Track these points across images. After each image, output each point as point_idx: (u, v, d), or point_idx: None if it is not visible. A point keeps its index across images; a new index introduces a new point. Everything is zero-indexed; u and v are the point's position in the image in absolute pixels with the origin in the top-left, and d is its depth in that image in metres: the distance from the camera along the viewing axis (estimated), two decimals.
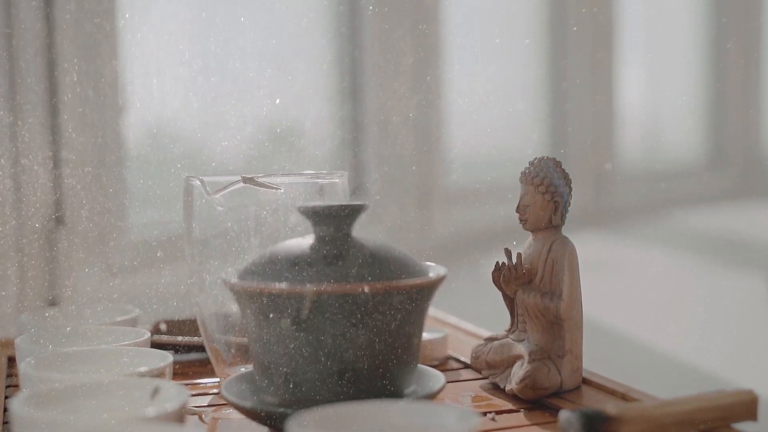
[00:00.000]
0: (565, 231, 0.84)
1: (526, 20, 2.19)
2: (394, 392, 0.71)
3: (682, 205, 2.39)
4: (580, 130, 2.28)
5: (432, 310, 0.96)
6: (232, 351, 0.86)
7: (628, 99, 2.41)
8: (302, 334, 0.69)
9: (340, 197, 0.86)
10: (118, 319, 0.92)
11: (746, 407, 0.66)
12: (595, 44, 2.26)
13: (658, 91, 2.54)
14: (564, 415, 0.64)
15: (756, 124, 2.65)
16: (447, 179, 1.94)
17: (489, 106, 1.99)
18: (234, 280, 0.72)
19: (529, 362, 0.80)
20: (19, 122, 1.26)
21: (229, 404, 0.74)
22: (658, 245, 2.22)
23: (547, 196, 0.82)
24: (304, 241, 0.73)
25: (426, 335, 0.93)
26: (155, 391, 0.66)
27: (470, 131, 2.01)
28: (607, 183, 2.32)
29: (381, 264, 0.70)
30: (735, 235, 2.29)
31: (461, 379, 0.89)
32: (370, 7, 1.73)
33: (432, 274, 0.73)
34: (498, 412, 0.78)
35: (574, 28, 2.20)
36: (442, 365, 0.94)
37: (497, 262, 0.84)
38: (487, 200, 1.78)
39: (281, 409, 0.70)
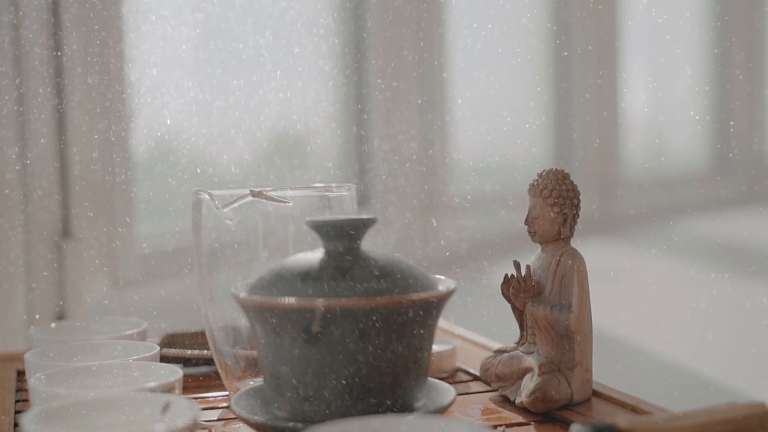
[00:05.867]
0: (571, 239, 0.84)
1: (530, 29, 2.19)
2: (405, 406, 0.71)
3: (688, 213, 2.39)
4: (585, 137, 2.28)
5: (441, 322, 0.96)
6: (241, 364, 0.86)
7: (633, 106, 2.41)
8: (312, 348, 0.69)
9: (348, 210, 0.86)
10: (127, 332, 0.92)
11: (758, 420, 0.66)
12: (600, 52, 2.26)
13: (663, 98, 2.54)
14: (575, 428, 0.64)
15: (761, 130, 2.65)
16: (453, 189, 1.94)
17: (494, 114, 1.99)
18: (243, 294, 0.72)
19: (539, 375, 0.80)
20: (27, 136, 1.26)
21: (239, 419, 0.74)
22: (664, 253, 2.22)
23: (555, 208, 0.82)
24: (313, 255, 0.73)
25: (435, 347, 0.92)
26: (166, 407, 0.66)
27: (475, 140, 2.01)
28: (613, 190, 2.31)
29: (391, 278, 0.70)
30: (741, 242, 2.29)
31: (470, 391, 0.89)
32: (375, 17, 1.73)
33: (442, 288, 0.73)
34: (508, 425, 0.78)
35: (579, 41, 2.20)
36: (451, 377, 0.93)
37: (506, 275, 0.84)
38: (495, 209, 1.78)
39: (291, 424, 0.70)
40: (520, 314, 0.85)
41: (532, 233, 0.84)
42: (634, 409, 0.78)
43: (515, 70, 2.13)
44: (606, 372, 0.87)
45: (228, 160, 1.54)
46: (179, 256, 1.37)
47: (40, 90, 1.27)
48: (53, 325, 0.99)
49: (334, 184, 0.87)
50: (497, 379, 0.86)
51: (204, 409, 0.84)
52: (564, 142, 2.27)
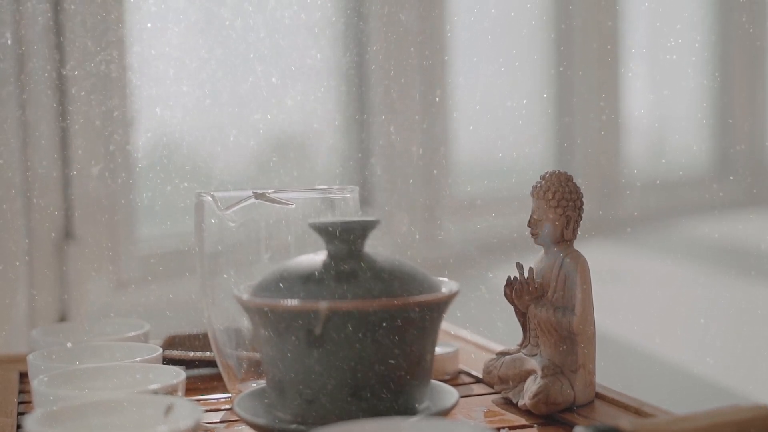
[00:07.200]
0: (574, 241, 0.84)
1: (531, 30, 2.19)
2: (408, 408, 0.71)
3: (690, 215, 2.39)
4: (587, 139, 2.28)
5: (443, 324, 0.96)
6: (244, 366, 0.86)
7: (635, 108, 2.41)
8: (315, 350, 0.69)
9: (351, 212, 0.86)
10: (130, 334, 0.92)
11: (762, 423, 0.66)
12: (600, 53, 2.26)
13: (664, 100, 2.54)
14: (578, 430, 0.64)
15: (762, 132, 2.64)
16: (455, 190, 1.94)
17: (496, 116, 1.99)
18: (246, 296, 0.72)
19: (541, 377, 0.80)
20: (28, 137, 1.26)
21: (242, 421, 0.74)
22: (667, 255, 2.22)
23: (558, 210, 0.82)
24: (316, 257, 0.73)
25: (437, 349, 0.92)
26: (168, 409, 0.66)
27: (478, 142, 2.01)
28: (615, 193, 2.31)
29: (394, 280, 0.70)
30: (744, 244, 2.29)
31: (473, 393, 0.89)
32: (377, 19, 1.73)
33: (445, 290, 0.73)
34: (511, 428, 0.77)
35: (581, 43, 2.20)
36: (453, 380, 0.93)
37: (509, 277, 0.84)
38: (497, 211, 1.77)
39: (294, 426, 0.70)
40: (523, 316, 0.85)
41: (535, 235, 0.84)
42: (638, 412, 0.78)
43: (517, 71, 2.13)
44: (609, 374, 0.87)
45: (230, 162, 1.54)
46: (182, 257, 1.37)
47: (42, 92, 1.27)
48: (56, 327, 0.99)
49: (336, 186, 0.87)
50: (500, 381, 0.86)
51: (207, 411, 0.84)
52: (567, 145, 2.27)
